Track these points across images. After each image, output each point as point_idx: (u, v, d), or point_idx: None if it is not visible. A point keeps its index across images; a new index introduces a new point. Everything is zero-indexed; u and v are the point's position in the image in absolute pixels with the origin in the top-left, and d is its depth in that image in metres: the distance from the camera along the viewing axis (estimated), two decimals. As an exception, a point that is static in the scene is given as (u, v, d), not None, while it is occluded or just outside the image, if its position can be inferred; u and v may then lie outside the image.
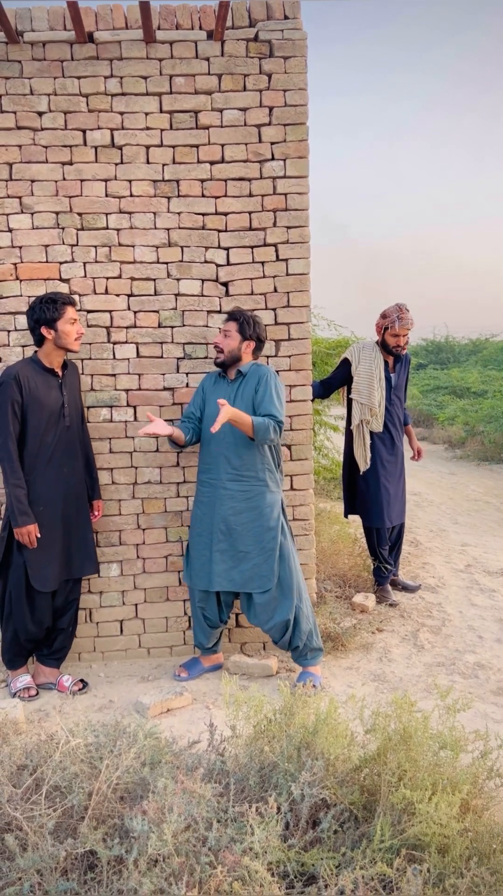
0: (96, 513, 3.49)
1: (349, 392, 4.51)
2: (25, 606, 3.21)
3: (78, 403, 3.38)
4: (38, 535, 3.17)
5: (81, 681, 3.39)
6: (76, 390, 3.39)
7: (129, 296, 3.55)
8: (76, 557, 3.34)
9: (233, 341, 3.29)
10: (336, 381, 4.56)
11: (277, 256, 3.59)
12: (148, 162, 3.50)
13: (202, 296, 3.58)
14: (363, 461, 4.44)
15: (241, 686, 3.33)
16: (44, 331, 3.16)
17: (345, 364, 4.52)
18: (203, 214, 3.55)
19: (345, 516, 4.81)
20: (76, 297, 3.50)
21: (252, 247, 3.57)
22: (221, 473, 3.29)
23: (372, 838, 1.80)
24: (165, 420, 3.58)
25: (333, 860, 1.75)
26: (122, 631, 3.69)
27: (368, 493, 4.47)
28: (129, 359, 3.57)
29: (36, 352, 3.27)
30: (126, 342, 3.57)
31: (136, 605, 3.68)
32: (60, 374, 3.28)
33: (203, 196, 3.54)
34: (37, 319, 3.15)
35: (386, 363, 4.46)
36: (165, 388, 3.61)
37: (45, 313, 3.13)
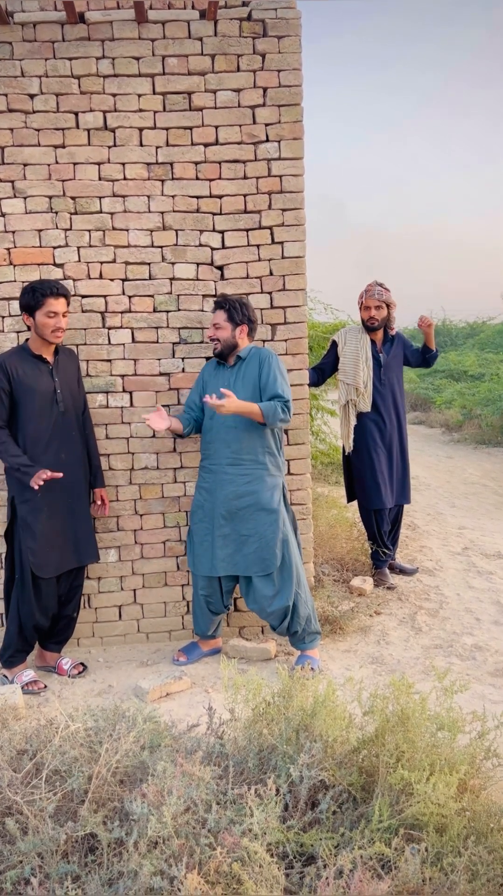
0: (98, 502, 3.46)
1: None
2: (32, 594, 3.20)
3: (74, 390, 3.34)
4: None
5: (81, 664, 3.41)
6: (72, 376, 3.34)
7: (123, 280, 3.53)
8: (81, 545, 3.32)
9: (225, 331, 3.28)
10: (328, 365, 4.54)
11: (273, 239, 3.57)
12: (141, 144, 3.47)
13: (197, 280, 3.56)
14: (347, 442, 4.45)
15: (240, 670, 3.35)
16: (24, 317, 3.17)
17: (334, 346, 4.51)
18: (197, 197, 3.52)
19: (349, 501, 4.81)
20: (70, 283, 3.47)
21: (247, 230, 3.55)
22: (221, 458, 3.29)
23: (370, 818, 1.82)
24: (162, 405, 3.58)
25: (332, 840, 1.76)
26: (120, 616, 3.70)
27: (362, 475, 4.46)
28: (124, 344, 3.55)
29: (27, 339, 3.27)
30: (121, 327, 3.54)
31: (134, 590, 3.69)
32: (51, 360, 3.25)
33: (197, 179, 3.51)
34: (20, 305, 3.17)
35: (373, 343, 4.45)
36: (161, 374, 3.60)
37: (25, 300, 3.14)
